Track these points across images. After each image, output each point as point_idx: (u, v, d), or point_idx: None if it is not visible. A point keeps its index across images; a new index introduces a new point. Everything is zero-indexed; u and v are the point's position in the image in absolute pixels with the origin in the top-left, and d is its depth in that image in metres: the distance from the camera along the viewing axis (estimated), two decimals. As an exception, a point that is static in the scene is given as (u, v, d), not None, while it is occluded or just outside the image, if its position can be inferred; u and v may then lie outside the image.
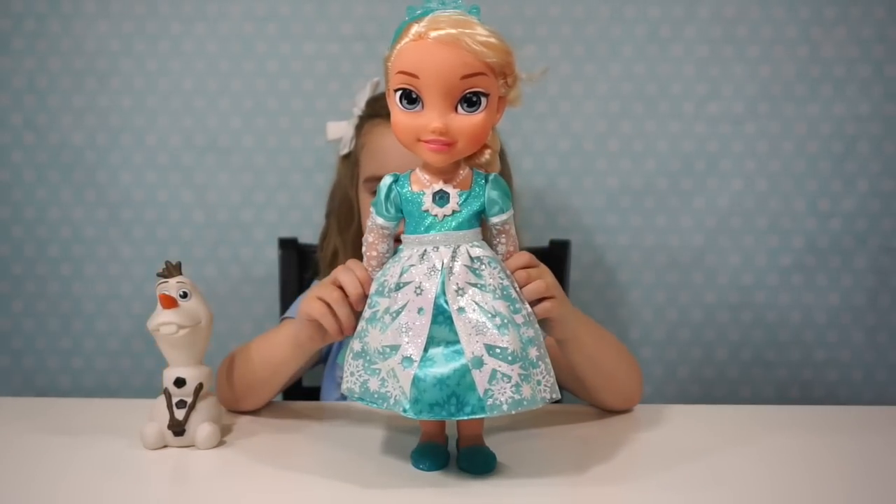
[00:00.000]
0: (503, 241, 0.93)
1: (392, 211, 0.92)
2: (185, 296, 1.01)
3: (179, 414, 1.00)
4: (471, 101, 0.86)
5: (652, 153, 1.58)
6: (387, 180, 0.92)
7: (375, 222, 0.93)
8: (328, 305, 0.97)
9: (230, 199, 1.61)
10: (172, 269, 1.02)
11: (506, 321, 0.87)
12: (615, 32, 1.56)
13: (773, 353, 1.61)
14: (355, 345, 0.91)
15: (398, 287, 0.89)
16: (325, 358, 1.36)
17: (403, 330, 0.87)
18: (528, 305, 0.91)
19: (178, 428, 0.99)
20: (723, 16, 1.56)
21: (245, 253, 1.61)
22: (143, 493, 0.91)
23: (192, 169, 1.60)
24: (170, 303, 1.00)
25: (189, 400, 1.00)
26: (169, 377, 1.01)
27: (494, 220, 0.92)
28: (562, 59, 1.56)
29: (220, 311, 1.59)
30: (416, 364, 0.86)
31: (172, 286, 1.01)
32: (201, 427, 1.00)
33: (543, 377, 0.88)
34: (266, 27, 1.57)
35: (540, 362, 0.89)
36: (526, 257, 0.95)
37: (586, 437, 1.05)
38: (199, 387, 1.01)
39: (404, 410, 0.86)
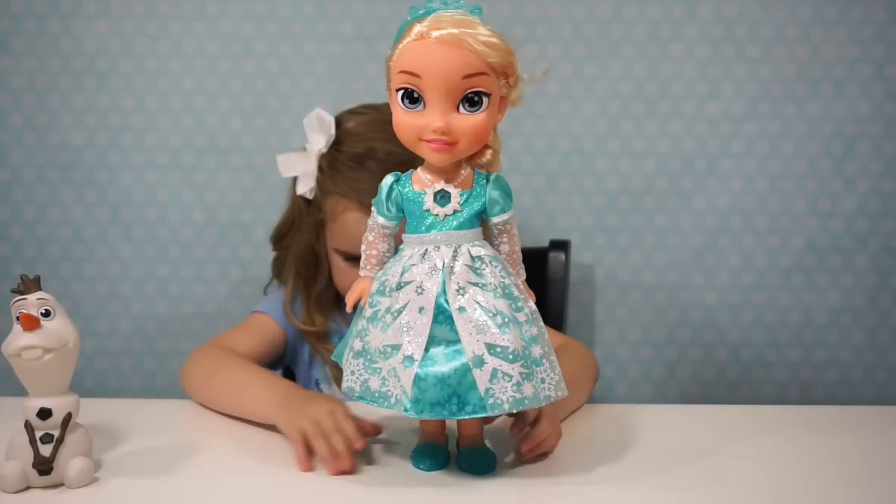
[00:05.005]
0: (504, 240, 0.93)
1: (393, 210, 0.92)
2: (47, 314, 0.88)
3: (45, 450, 0.88)
4: (472, 100, 0.87)
5: (652, 153, 1.58)
6: (388, 180, 0.92)
7: (377, 221, 0.93)
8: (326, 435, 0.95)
9: (230, 199, 1.60)
10: (30, 284, 0.89)
11: (507, 320, 0.87)
12: (615, 32, 1.56)
13: (773, 354, 1.61)
14: (356, 344, 0.91)
15: (399, 286, 0.89)
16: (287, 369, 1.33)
17: (404, 329, 0.87)
18: (531, 303, 0.91)
19: (44, 466, 0.88)
20: (723, 16, 1.55)
21: (245, 253, 1.60)
22: (146, 494, 0.90)
23: (192, 169, 1.60)
24: (32, 323, 0.87)
25: (56, 433, 0.89)
26: (31, 408, 0.89)
27: (495, 219, 0.92)
28: (562, 59, 1.56)
29: (220, 311, 1.60)
30: (417, 363, 0.86)
31: (32, 304, 0.88)
32: (72, 463, 0.89)
33: (548, 375, 0.88)
34: (266, 27, 1.57)
35: (544, 360, 0.89)
36: (548, 430, 0.96)
37: (586, 437, 1.05)
38: (68, 417, 0.89)
39: (405, 410, 0.86)
